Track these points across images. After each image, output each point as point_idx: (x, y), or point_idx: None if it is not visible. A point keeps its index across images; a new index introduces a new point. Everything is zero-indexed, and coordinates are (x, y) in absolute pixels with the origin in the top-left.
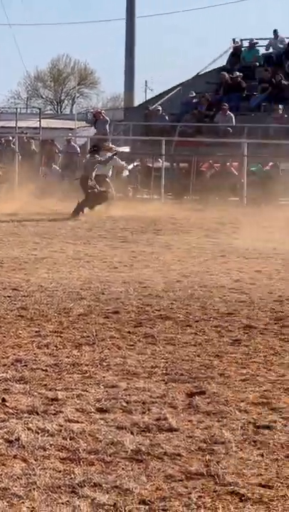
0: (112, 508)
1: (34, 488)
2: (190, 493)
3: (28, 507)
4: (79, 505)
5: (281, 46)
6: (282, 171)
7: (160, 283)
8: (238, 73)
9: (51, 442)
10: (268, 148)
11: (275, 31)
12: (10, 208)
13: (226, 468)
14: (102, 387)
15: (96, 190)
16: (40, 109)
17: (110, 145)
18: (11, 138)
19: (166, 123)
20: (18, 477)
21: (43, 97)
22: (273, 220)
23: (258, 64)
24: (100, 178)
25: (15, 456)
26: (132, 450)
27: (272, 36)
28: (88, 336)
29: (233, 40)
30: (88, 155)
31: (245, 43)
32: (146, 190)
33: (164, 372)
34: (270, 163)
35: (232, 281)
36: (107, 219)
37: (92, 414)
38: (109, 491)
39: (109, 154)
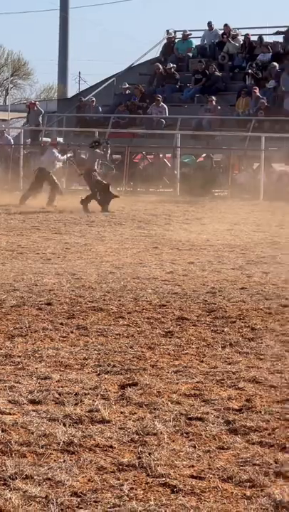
0: (43, 500)
1: None
2: (122, 485)
3: None
4: (10, 498)
5: (215, 38)
6: (216, 163)
7: (93, 274)
8: (171, 65)
9: None
10: (201, 140)
11: (209, 23)
12: None
13: (158, 460)
14: (34, 378)
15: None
16: None
17: (57, 139)
18: None
19: (100, 114)
20: None
21: None
22: (207, 211)
23: (191, 55)
24: (43, 173)
25: None
26: (64, 442)
27: (207, 28)
28: (21, 328)
29: (167, 31)
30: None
31: (179, 35)
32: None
33: (97, 363)
34: (203, 155)
35: (165, 273)
36: (40, 210)
37: (25, 405)
38: (41, 483)
39: (56, 155)
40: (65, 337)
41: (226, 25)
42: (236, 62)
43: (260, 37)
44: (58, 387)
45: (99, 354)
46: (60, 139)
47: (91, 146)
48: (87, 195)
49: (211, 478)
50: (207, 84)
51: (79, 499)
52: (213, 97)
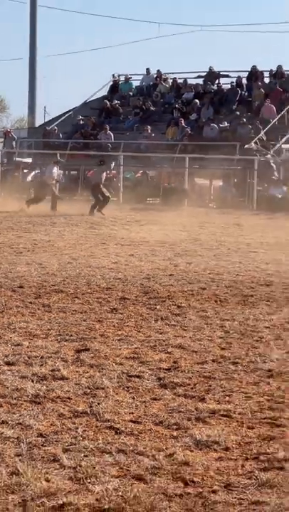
0: (16, 440)
1: None
2: (77, 428)
3: None
4: None
5: (151, 81)
6: (150, 177)
7: (55, 264)
8: (116, 101)
9: None
10: (139, 160)
11: (147, 69)
12: None
13: (105, 408)
14: (9, 345)
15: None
16: None
17: (58, 158)
18: None
19: (61, 140)
20: None
21: None
22: (143, 215)
23: (131, 94)
24: (43, 184)
25: None
26: (32, 394)
27: (145, 73)
28: None
29: (113, 75)
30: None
31: (122, 78)
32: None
33: (58, 333)
34: (141, 171)
35: (111, 263)
36: (14, 214)
37: (1, 366)
38: (14, 426)
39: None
40: (33, 313)
41: (158, 71)
42: (167, 100)
43: (185, 80)
44: (28, 351)
45: (59, 326)
46: (30, 159)
47: (99, 164)
48: (93, 204)
49: (146, 422)
50: (144, 116)
51: (43, 439)
52: (149, 127)
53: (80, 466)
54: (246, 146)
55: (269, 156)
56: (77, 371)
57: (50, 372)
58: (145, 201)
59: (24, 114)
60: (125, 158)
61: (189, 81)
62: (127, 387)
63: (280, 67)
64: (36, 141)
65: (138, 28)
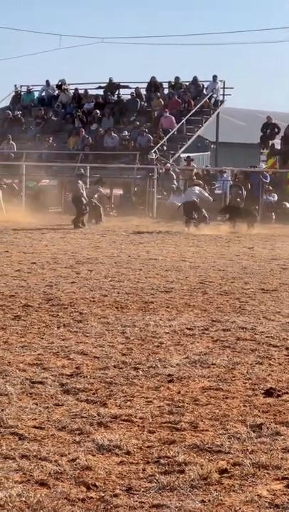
0: None
1: None
2: None
3: None
4: None
5: (52, 91)
6: (52, 187)
7: None
8: (18, 112)
9: None
10: (41, 169)
11: (47, 81)
12: None
13: (8, 415)
14: None
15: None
16: None
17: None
18: None
19: None
20: None
21: None
22: (46, 223)
23: (33, 105)
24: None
25: None
26: None
27: (45, 84)
28: None
29: (15, 86)
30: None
31: (24, 89)
32: None
33: None
34: (43, 180)
35: (14, 271)
36: None
37: None
38: None
39: None
40: None
41: (61, 81)
42: (68, 110)
43: (86, 90)
44: None
45: None
46: None
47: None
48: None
49: (49, 428)
50: (45, 126)
51: None
52: (51, 137)
53: None
54: (148, 155)
55: (168, 165)
56: None
57: None
58: (48, 210)
59: None
60: (27, 167)
61: (90, 91)
62: (30, 394)
63: (177, 78)
64: None
65: (40, 39)
